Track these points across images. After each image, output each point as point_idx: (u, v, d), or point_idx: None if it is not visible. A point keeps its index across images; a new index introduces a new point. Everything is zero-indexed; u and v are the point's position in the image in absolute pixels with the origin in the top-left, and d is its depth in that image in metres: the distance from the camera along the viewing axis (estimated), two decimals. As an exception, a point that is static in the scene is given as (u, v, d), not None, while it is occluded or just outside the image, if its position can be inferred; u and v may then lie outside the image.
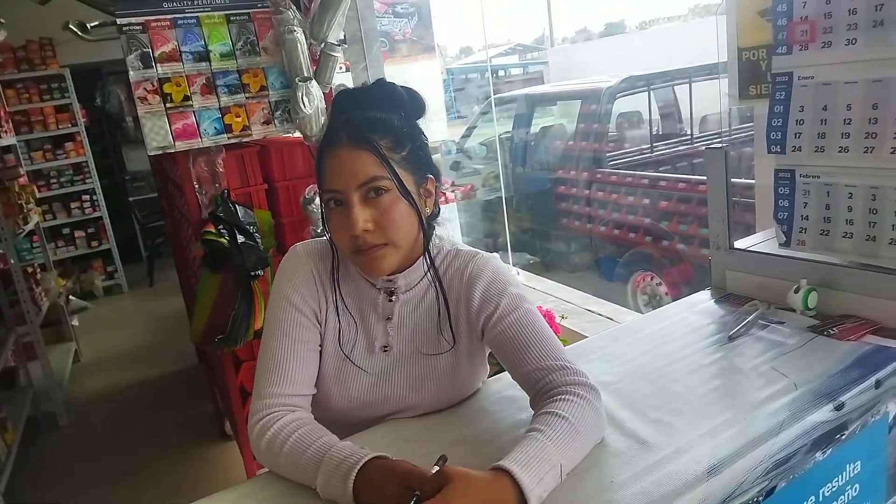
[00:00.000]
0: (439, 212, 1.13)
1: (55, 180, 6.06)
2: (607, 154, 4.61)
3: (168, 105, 2.15)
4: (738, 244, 1.46)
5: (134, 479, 3.09)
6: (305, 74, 2.24)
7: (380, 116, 1.03)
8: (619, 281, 4.42)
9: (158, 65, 2.12)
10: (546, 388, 1.01)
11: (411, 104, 1.09)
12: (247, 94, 2.26)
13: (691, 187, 4.01)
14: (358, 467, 0.89)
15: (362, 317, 1.13)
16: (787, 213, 1.31)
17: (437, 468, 0.83)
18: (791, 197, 1.29)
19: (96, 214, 6.24)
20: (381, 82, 1.09)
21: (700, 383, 1.10)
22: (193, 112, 2.20)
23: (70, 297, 5.15)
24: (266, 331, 1.11)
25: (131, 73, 2.10)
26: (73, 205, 6.15)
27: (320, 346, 1.12)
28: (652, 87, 4.65)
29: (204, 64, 2.19)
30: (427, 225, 1.10)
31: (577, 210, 4.83)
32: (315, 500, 0.95)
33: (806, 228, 1.28)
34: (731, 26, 1.59)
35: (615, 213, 4.50)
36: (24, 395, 3.57)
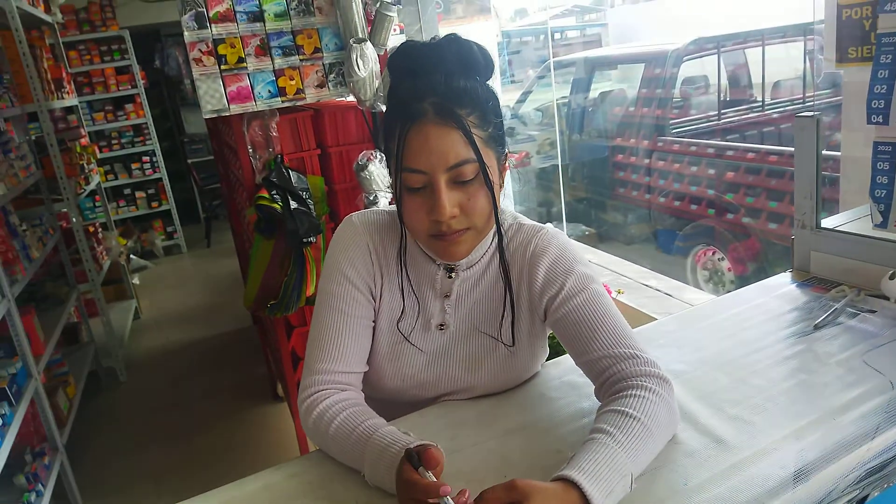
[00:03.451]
0: None
1: (116, 141, 6.20)
2: (671, 121, 4.40)
3: (223, 67, 2.12)
4: (825, 223, 1.34)
5: (190, 437, 3.17)
6: (360, 35, 2.16)
7: (465, 87, 0.92)
8: (679, 255, 4.25)
9: (213, 25, 2.08)
10: (614, 378, 0.93)
11: (485, 66, 0.96)
12: (301, 56, 2.21)
13: (761, 157, 3.78)
14: (401, 457, 0.85)
15: (419, 293, 1.07)
16: (885, 191, 1.18)
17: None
18: (891, 173, 1.17)
19: (156, 175, 6.37)
20: (454, 39, 0.94)
21: (783, 377, 1.01)
22: (248, 74, 2.17)
23: (131, 256, 5.29)
24: (318, 304, 1.06)
25: (186, 33, 2.07)
26: (133, 166, 6.29)
27: (374, 322, 1.07)
28: (722, 49, 4.39)
29: (258, 24, 2.14)
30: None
31: (637, 180, 4.65)
32: (356, 484, 0.91)
33: (907, 208, 1.16)
34: (829, -21, 1.43)
35: (677, 184, 4.31)
36: (87, 350, 3.69)
